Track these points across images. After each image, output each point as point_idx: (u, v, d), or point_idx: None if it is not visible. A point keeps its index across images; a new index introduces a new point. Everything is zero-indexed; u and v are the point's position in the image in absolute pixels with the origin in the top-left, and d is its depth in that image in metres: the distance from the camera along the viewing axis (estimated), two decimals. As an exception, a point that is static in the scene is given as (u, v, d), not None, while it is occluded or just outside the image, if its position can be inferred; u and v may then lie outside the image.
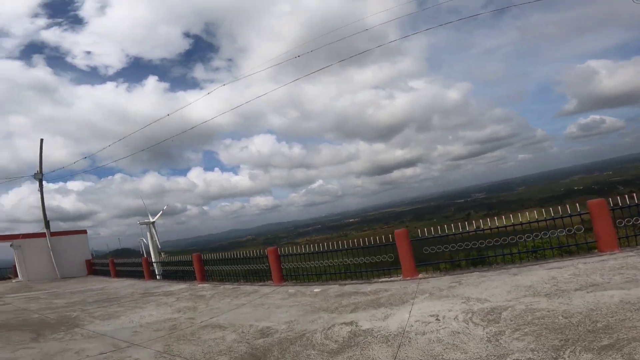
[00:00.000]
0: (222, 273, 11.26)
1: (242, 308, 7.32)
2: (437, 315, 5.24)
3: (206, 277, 11.60)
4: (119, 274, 15.99)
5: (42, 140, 19.57)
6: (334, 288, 8.27)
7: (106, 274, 16.78)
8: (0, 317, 7.79)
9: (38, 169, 19.12)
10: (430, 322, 4.98)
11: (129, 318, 7.11)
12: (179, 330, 6.02)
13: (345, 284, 8.51)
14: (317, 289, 8.36)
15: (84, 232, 20.24)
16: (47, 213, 18.75)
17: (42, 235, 17.97)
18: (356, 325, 5.40)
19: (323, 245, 9.47)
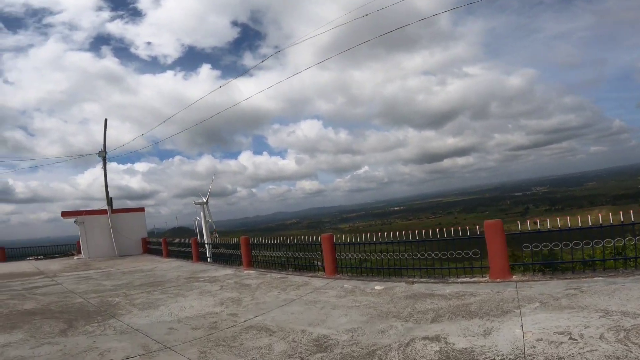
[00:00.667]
0: (269, 259, 10.29)
1: (292, 305, 6.14)
2: (569, 333, 3.67)
3: (253, 263, 10.72)
4: (170, 254, 15.92)
5: (106, 120, 20.06)
6: (400, 287, 6.79)
7: (159, 253, 16.86)
8: (44, 300, 7.46)
9: (102, 148, 19.63)
10: (562, 343, 3.46)
11: (169, 309, 6.28)
12: (219, 331, 4.97)
13: (413, 282, 6.98)
14: (378, 287, 6.94)
15: (142, 209, 20.49)
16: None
17: (104, 212, 18.41)
18: (446, 342, 3.94)
19: (385, 235, 7.96)
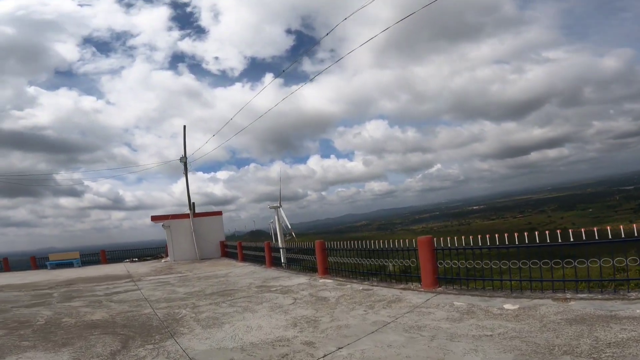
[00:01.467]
0: (348, 266, 8.70)
1: (387, 332, 4.44)
2: None
3: (329, 270, 9.25)
4: (245, 258, 15.44)
5: (184, 127, 20.83)
6: (546, 305, 4.61)
7: (235, 257, 16.57)
8: (115, 309, 6.96)
9: (183, 154, 20.30)
10: None
11: (234, 328, 5.10)
12: (291, 372, 3.52)
13: (567, 299, 4.72)
14: (509, 305, 4.85)
15: (220, 213, 20.52)
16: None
17: (187, 216, 18.94)
18: None
19: (506, 238, 5.77)
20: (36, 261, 19.94)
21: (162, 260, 18.62)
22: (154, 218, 18.86)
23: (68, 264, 19.11)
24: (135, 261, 19.93)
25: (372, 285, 7.33)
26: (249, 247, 15.08)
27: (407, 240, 7.09)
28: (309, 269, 10.21)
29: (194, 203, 21.64)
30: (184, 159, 20.05)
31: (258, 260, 13.89)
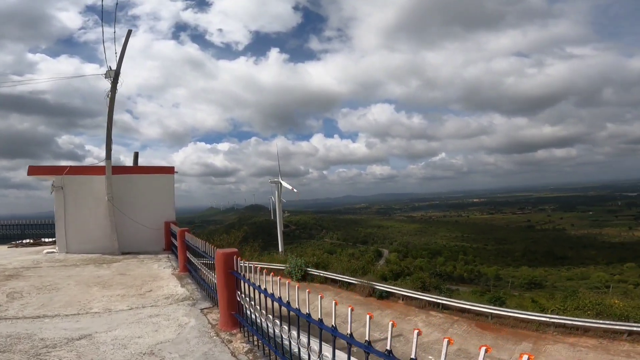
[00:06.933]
0: None
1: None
2: None
3: None
4: (190, 270, 6.58)
5: (129, 31, 11.19)
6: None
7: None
8: None
9: (112, 66, 10.70)
10: None
11: None
12: None
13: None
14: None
15: (170, 170, 11.07)
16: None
17: (100, 171, 9.75)
18: None
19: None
20: None
21: (45, 251, 9.58)
22: (34, 170, 9.64)
23: None
24: (19, 244, 10.95)
25: None
26: (197, 251, 6.07)
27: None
28: None
29: (136, 153, 12.61)
30: (110, 73, 10.53)
31: (209, 285, 5.02)
